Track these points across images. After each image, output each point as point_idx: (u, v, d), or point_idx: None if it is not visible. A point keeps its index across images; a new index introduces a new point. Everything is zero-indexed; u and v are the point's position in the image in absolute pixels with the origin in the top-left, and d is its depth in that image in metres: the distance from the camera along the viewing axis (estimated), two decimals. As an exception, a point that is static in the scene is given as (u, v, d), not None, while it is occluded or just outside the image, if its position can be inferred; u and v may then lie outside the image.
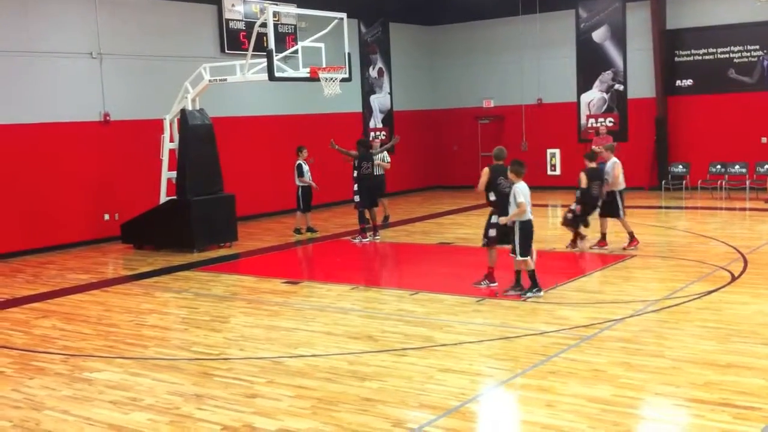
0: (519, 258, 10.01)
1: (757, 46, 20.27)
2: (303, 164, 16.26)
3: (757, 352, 7.52)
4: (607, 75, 22.26)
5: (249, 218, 18.36)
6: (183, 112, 14.92)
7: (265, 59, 14.13)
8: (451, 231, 16.37)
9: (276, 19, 17.48)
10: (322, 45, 14.95)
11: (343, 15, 14.86)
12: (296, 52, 15.32)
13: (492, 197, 10.47)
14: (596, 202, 12.99)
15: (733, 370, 7.01)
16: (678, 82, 21.43)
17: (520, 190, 9.90)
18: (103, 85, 16.34)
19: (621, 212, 13.10)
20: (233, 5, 18.80)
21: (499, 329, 8.70)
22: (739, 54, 20.52)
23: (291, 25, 19.71)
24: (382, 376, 7.27)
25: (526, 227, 9.96)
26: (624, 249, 12.94)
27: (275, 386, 7.13)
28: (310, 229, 16.55)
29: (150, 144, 16.05)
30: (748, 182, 19.39)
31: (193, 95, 15.06)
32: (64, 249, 15.60)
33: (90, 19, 16.14)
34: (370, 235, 15.34)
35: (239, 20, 18.94)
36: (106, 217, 16.40)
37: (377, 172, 17.17)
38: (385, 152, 17.27)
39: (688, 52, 21.24)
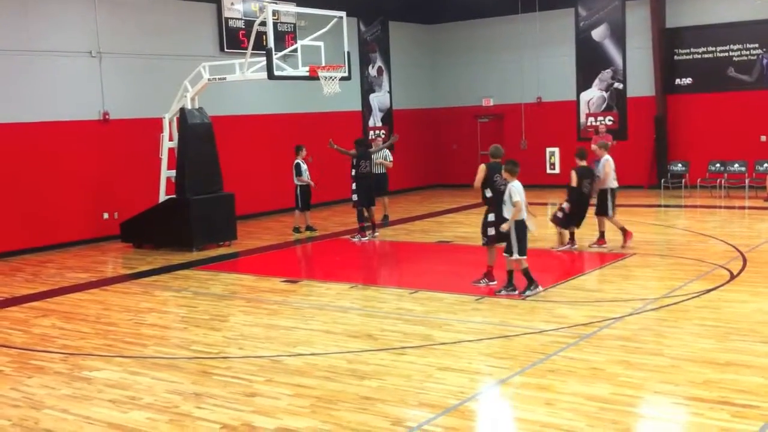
0: (514, 258, 10.00)
1: (757, 45, 20.27)
2: (301, 163, 16.27)
3: (756, 351, 7.53)
4: (606, 73, 22.26)
5: (248, 217, 18.36)
6: (182, 110, 14.92)
7: (265, 58, 14.14)
8: (450, 229, 16.37)
9: (275, 17, 17.46)
10: (321, 44, 14.95)
11: (343, 13, 14.85)
12: (296, 50, 15.32)
13: (488, 194, 10.48)
14: (587, 200, 13.00)
15: (732, 369, 7.01)
16: (677, 81, 21.43)
17: (516, 190, 9.89)
18: (102, 83, 16.34)
19: (610, 211, 13.11)
20: (232, 4, 18.79)
21: (498, 328, 8.71)
22: (739, 52, 20.53)
23: (290, 23, 19.71)
24: (381, 374, 7.28)
25: (521, 226, 9.94)
26: (623, 247, 12.95)
27: (274, 385, 7.13)
28: (309, 228, 16.56)
29: (149, 143, 16.06)
30: (747, 181, 19.39)
31: (192, 94, 15.06)
32: (64, 248, 15.60)
33: (89, 18, 16.13)
34: (368, 234, 15.35)
35: (238, 19, 18.93)
36: (106, 215, 16.40)
37: (379, 170, 17.22)
38: (387, 151, 17.32)
39: (688, 51, 21.24)
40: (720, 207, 18.17)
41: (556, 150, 22.95)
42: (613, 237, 13.30)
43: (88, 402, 6.93)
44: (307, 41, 15.25)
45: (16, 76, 15.09)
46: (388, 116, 23.57)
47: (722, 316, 8.77)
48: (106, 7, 16.36)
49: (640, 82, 21.65)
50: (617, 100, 22.18)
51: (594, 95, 22.51)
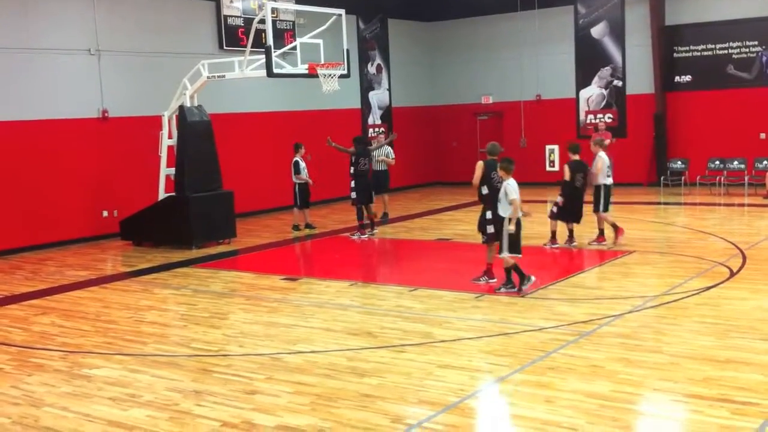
0: (501, 255, 9.98)
1: (756, 42, 20.27)
2: (300, 161, 16.27)
3: (756, 348, 7.53)
4: (605, 71, 22.25)
5: (247, 215, 18.35)
6: (181, 108, 14.91)
7: (264, 56, 14.12)
8: (450, 227, 16.37)
9: (274, 15, 17.47)
10: (320, 41, 14.93)
11: (342, 11, 14.84)
12: (295, 48, 15.29)
13: (484, 191, 10.49)
14: (580, 194, 13.02)
15: (731, 366, 7.02)
16: (677, 78, 21.43)
17: (512, 188, 9.88)
18: (101, 81, 16.32)
19: (600, 207, 13.13)
20: (231, 1, 18.77)
21: (498, 325, 8.71)
22: (738, 50, 20.52)
23: (289, 21, 19.69)
24: (381, 372, 7.28)
25: (515, 224, 9.91)
26: (614, 243, 12.99)
27: (274, 382, 7.14)
28: (308, 226, 16.56)
29: (148, 141, 16.05)
30: (746, 178, 19.39)
31: (191, 92, 15.04)
32: (63, 246, 15.59)
33: (88, 16, 16.11)
34: (368, 231, 15.35)
35: (237, 16, 18.91)
36: (105, 213, 16.39)
37: (381, 167, 17.23)
38: (390, 148, 17.35)
39: (687, 48, 21.24)
40: (719, 204, 18.18)
41: (556, 147, 22.95)
42: (611, 235, 13.29)
43: (88, 400, 6.94)
44: (306, 39, 15.24)
45: (15, 74, 15.08)
46: (388, 114, 23.56)
47: (722, 314, 8.77)
48: (105, 5, 16.34)
49: (640, 80, 21.65)
50: (616, 98, 22.18)
51: (593, 93, 22.51)
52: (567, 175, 12.94)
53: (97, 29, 16.23)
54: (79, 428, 6.30)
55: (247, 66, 14.59)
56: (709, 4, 20.77)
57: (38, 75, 15.38)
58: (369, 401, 6.54)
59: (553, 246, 13.11)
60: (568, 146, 13.34)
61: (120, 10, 16.65)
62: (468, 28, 24.36)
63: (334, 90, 14.76)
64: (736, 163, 19.81)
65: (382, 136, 18.48)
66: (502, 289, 10.11)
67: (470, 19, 24.22)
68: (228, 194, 15.31)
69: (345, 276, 11.95)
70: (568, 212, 13.09)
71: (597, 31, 22.23)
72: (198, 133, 14.92)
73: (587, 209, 13.24)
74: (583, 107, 22.68)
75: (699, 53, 21.09)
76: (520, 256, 10.03)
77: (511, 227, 9.86)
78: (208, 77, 14.92)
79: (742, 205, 18.06)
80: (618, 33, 21.93)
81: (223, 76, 15.02)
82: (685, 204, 18.55)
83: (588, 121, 22.42)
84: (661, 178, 20.52)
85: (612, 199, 13.61)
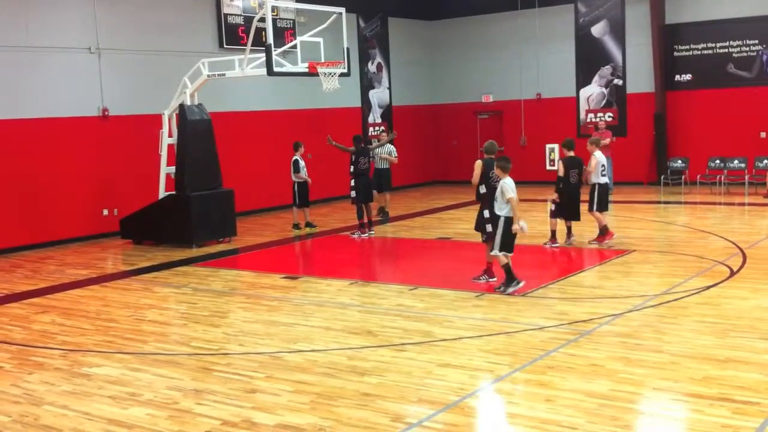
0: (494, 253, 9.98)
1: (756, 41, 20.26)
2: (300, 160, 16.28)
3: (756, 347, 7.53)
4: (606, 70, 22.24)
5: (248, 213, 18.36)
6: (182, 107, 14.91)
7: (264, 54, 14.12)
8: (450, 226, 16.37)
9: (274, 13, 17.48)
10: (320, 40, 14.94)
11: (342, 10, 14.83)
12: (295, 47, 15.30)
13: (482, 190, 10.49)
14: (575, 190, 13.03)
15: (731, 365, 7.02)
16: (677, 77, 21.42)
17: (509, 186, 9.87)
18: (101, 80, 16.32)
19: (594, 206, 13.14)
20: (232, 0, 18.76)
21: (498, 324, 8.71)
22: (738, 49, 20.51)
23: (290, 19, 19.69)
24: (381, 371, 7.28)
25: (509, 223, 9.90)
26: (595, 239, 13.00)
27: (274, 381, 7.14)
28: (309, 225, 16.56)
29: (149, 139, 16.06)
30: (747, 177, 19.38)
31: (191, 90, 15.04)
32: (63, 244, 15.60)
33: (88, 14, 16.11)
34: (367, 230, 15.35)
35: (238, 15, 18.90)
36: (105, 212, 16.40)
37: (383, 165, 17.23)
38: (393, 146, 17.36)
39: (687, 47, 21.23)
40: (720, 203, 18.18)
41: (556, 146, 22.89)
42: (614, 233, 13.29)
43: (88, 398, 6.94)
44: (306, 37, 15.24)
45: (15, 72, 15.08)
46: (388, 113, 23.56)
47: (722, 313, 8.77)
48: (105, 4, 16.34)
49: (640, 79, 21.64)
50: (617, 97, 22.18)
51: (594, 92, 22.50)
52: (561, 171, 13.02)
53: (98, 28, 16.22)
54: (79, 427, 6.30)
55: (247, 64, 14.59)
56: (710, 3, 20.76)
57: (38, 73, 15.38)
58: (369, 400, 6.54)
59: (553, 245, 13.11)
60: (562, 142, 13.41)
61: (120, 9, 16.65)
62: (468, 26, 24.35)
63: (335, 89, 14.76)
64: (736, 162, 19.80)
65: (384, 134, 18.48)
66: (503, 288, 10.10)
67: (470, 18, 24.21)
68: (228, 193, 15.31)
69: (345, 275, 11.95)
70: (566, 209, 13.10)
71: (597, 29, 22.23)
72: (198, 132, 14.92)
73: (584, 208, 13.24)
74: (583, 106, 22.68)
75: (699, 52, 21.08)
76: (511, 254, 10.02)
77: (516, 227, 9.85)
78: (208, 76, 14.92)
79: (743, 204, 18.05)
80: (618, 32, 21.92)
81: (224, 75, 15.02)
82: (686, 203, 18.54)
83: (588, 120, 22.41)
84: (662, 177, 20.51)
85: (611, 198, 13.60)
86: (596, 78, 22.40)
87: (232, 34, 18.72)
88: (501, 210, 9.93)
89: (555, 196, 13.06)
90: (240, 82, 17.25)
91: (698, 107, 21.11)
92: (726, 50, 20.68)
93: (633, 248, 12.73)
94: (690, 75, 21.27)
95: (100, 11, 16.25)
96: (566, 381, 6.77)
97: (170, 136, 15.44)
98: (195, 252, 14.32)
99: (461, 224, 16.34)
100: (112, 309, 10.33)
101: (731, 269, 10.91)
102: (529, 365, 7.24)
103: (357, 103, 22.52)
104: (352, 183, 15.20)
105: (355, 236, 15.28)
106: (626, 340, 7.89)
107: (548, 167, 22.99)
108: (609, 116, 22.14)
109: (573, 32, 22.56)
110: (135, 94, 16.77)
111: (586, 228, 13.54)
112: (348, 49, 15.29)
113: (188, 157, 14.80)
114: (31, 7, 15.25)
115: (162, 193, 15.41)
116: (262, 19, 14.35)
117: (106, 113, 16.40)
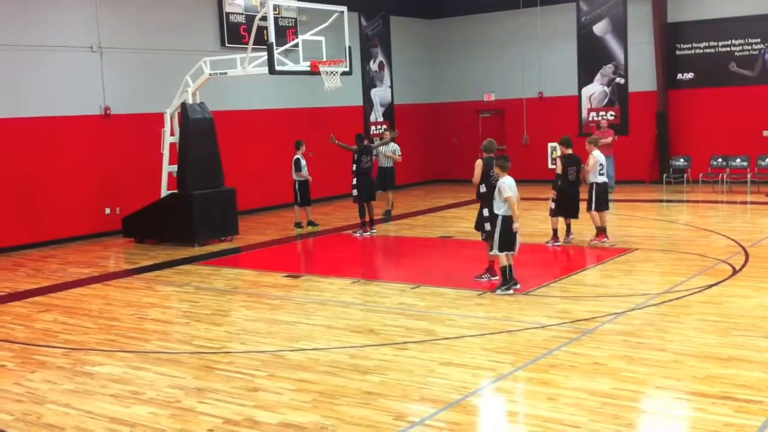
0: (493, 253, 9.97)
1: (759, 40, 20.23)
2: (301, 158, 16.28)
3: (758, 346, 7.52)
4: (608, 68, 22.21)
5: (250, 212, 18.37)
6: (183, 105, 14.91)
7: (266, 53, 14.12)
8: (452, 225, 16.37)
9: (276, 12, 17.45)
10: (322, 38, 14.93)
11: (344, 8, 14.83)
12: (297, 45, 15.30)
13: (482, 189, 10.49)
14: (574, 188, 13.03)
15: (734, 364, 7.01)
16: (679, 76, 21.40)
17: (507, 185, 9.86)
18: (103, 78, 16.32)
19: (592, 205, 13.12)
20: (233, -1, 18.78)
21: (500, 323, 8.71)
22: (741, 47, 20.48)
23: (291, 18, 19.68)
24: (383, 369, 7.28)
25: (507, 222, 9.89)
26: (591, 241, 12.99)
27: (276, 380, 7.14)
28: (310, 223, 16.56)
29: (151, 138, 16.05)
30: (749, 176, 19.35)
31: (193, 89, 15.05)
32: (66, 243, 15.61)
33: (90, 13, 16.11)
34: (369, 229, 15.36)
35: (239, 14, 18.90)
36: (108, 211, 16.40)
37: (387, 164, 17.24)
38: (397, 145, 17.36)
39: (689, 46, 21.20)
40: (722, 202, 18.16)
41: (558, 145, 22.88)
42: (614, 232, 13.28)
43: (91, 397, 6.94)
44: (308, 36, 15.24)
45: (17, 71, 15.08)
46: (390, 111, 23.54)
47: (724, 312, 8.76)
48: (107, 3, 16.34)
49: (642, 77, 21.62)
50: (619, 95, 22.15)
51: (595, 90, 22.48)
52: (559, 169, 13.02)
53: (100, 26, 16.22)
54: (81, 425, 6.30)
55: (249, 63, 14.59)
56: (712, 2, 20.72)
57: (40, 72, 15.38)
58: (371, 398, 6.54)
59: (555, 244, 13.10)
60: (560, 140, 13.39)
61: (122, 8, 16.65)
62: (470, 25, 24.34)
63: (336, 87, 14.76)
64: (738, 160, 19.77)
65: (387, 133, 18.48)
66: (504, 289, 10.06)
67: (472, 17, 24.19)
68: (230, 191, 15.31)
69: (347, 273, 11.95)
70: (565, 207, 13.10)
71: (599, 28, 22.20)
72: (200, 131, 14.93)
73: (584, 207, 13.23)
74: (585, 105, 22.65)
75: (701, 51, 21.05)
76: (514, 253, 10.01)
77: (516, 225, 9.84)
78: (210, 74, 14.92)
79: (745, 202, 18.02)
80: (620, 30, 21.89)
81: (225, 74, 15.02)
82: (688, 201, 18.53)
83: (590, 119, 22.39)
84: (664, 176, 20.48)
85: (612, 197, 13.57)
86: (598, 77, 22.37)
87: (234, 33, 18.71)
88: (499, 209, 9.92)
89: (553, 193, 13.07)
90: (242, 80, 17.25)
91: (700, 106, 21.08)
92: (728, 49, 20.65)
93: (635, 247, 12.72)
94: (692, 74, 21.24)
95: (102, 10, 16.25)
96: (568, 379, 6.77)
97: (172, 134, 15.44)
98: (197, 251, 14.33)
99: (463, 223, 16.33)
100: (114, 308, 10.34)
101: (733, 268, 10.90)
102: (531, 364, 7.24)
103: (359, 101, 22.51)
104: (354, 181, 15.20)
105: (357, 235, 15.29)
106: (628, 338, 7.89)
107: (550, 166, 22.90)
108: (611, 115, 22.12)
109: (575, 31, 22.54)
110: (137, 93, 16.77)
111: (585, 227, 13.53)
112: (350, 47, 15.30)
113: (190, 156, 14.81)
114: (33, 6, 15.25)
115: (164, 192, 15.41)
116: (264, 18, 14.34)
117: (108, 112, 16.40)
